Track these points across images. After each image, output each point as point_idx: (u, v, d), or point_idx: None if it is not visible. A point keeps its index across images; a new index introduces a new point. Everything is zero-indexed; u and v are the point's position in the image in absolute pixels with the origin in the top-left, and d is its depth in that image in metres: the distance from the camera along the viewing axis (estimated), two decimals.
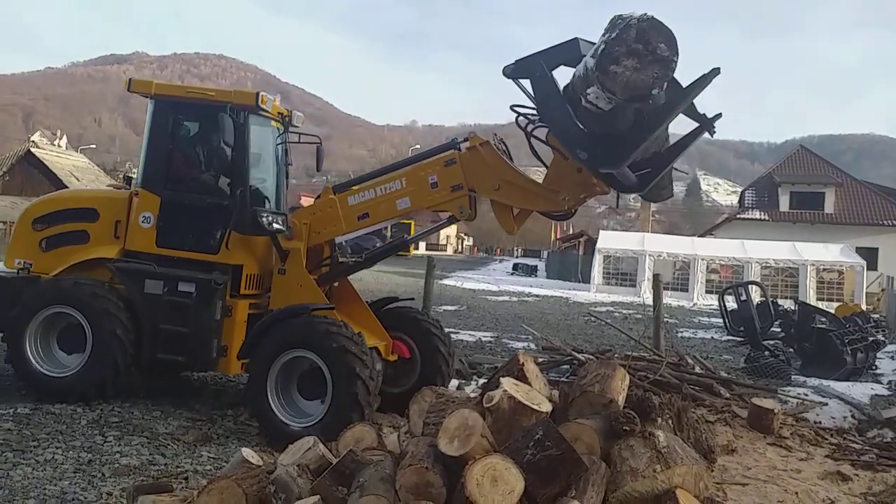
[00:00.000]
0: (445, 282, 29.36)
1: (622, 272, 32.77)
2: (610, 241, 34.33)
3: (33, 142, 50.38)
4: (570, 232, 62.51)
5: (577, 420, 3.83)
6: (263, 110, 7.21)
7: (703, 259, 31.27)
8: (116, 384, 6.85)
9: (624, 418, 3.78)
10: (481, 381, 9.39)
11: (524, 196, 6.44)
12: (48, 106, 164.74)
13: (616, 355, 10.00)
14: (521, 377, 3.96)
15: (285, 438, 6.08)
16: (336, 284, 7.46)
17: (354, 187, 7.15)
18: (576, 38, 5.54)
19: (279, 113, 7.66)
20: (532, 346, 12.58)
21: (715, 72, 5.03)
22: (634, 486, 3.48)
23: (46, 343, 7.00)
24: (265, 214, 6.92)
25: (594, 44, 5.10)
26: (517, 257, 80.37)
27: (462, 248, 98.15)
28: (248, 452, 4.28)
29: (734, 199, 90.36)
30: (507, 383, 3.69)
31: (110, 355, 6.70)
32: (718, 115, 5.32)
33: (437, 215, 7.86)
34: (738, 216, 42.02)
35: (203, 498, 3.51)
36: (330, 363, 6.11)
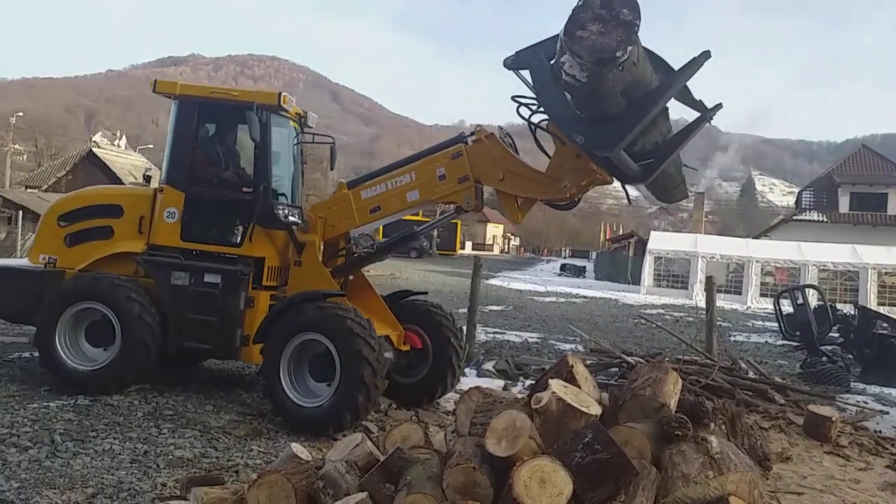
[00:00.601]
0: (492, 282, 29.28)
1: (673, 274, 32.15)
2: (661, 241, 33.71)
3: (95, 142, 52.13)
4: (620, 232, 61.64)
5: (628, 424, 3.76)
6: (284, 110, 7.45)
7: (757, 261, 30.45)
8: (147, 374, 7.10)
9: (676, 423, 3.70)
10: (528, 382, 9.33)
11: (528, 185, 6.67)
12: (109, 107, 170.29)
13: (667, 359, 9.82)
14: (570, 379, 3.91)
15: (295, 418, 6.46)
16: (351, 277, 7.65)
17: (367, 182, 7.38)
18: None
19: (297, 113, 7.92)
20: (580, 348, 12.44)
21: (705, 55, 5.27)
22: (686, 492, 3.40)
23: (75, 337, 7.18)
24: (282, 208, 7.24)
25: None
26: (565, 258, 79.62)
27: (508, 248, 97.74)
28: (297, 448, 4.34)
29: (790, 200, 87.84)
30: (556, 385, 3.65)
31: (140, 346, 6.90)
32: (719, 105, 5.55)
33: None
34: (794, 217, 40.86)
35: (253, 491, 3.56)
36: (338, 345, 6.33)
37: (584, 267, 49.79)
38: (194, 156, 7.49)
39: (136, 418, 6.32)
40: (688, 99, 5.65)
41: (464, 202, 6.93)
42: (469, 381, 9.24)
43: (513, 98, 6.13)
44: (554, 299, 25.05)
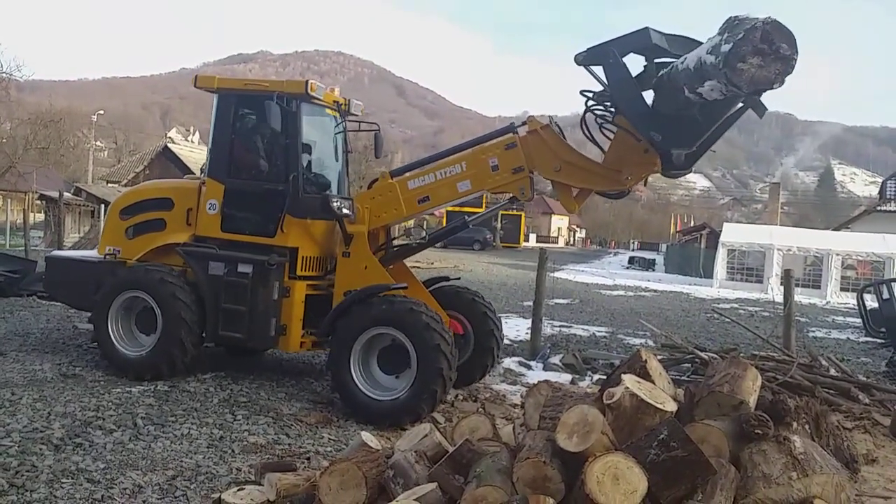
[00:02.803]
0: (557, 275, 28.92)
1: (748, 267, 31.09)
2: (735, 234, 32.62)
3: (169, 138, 54.11)
4: (692, 224, 60.00)
5: (704, 421, 3.64)
6: (315, 98, 7.42)
7: (837, 254, 29.13)
8: (185, 361, 7.27)
9: (756, 421, 3.56)
10: (596, 376, 9.19)
11: (585, 176, 6.72)
12: (182, 104, 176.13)
13: (742, 354, 9.49)
14: (644, 374, 3.81)
15: (367, 410, 6.53)
16: (392, 267, 7.66)
17: (413, 172, 7.42)
18: (646, 28, 5.82)
19: (335, 101, 7.87)
20: (650, 342, 12.16)
21: None
22: (767, 494, 3.27)
23: (127, 324, 7.55)
24: (336, 200, 7.23)
25: (662, 33, 5.83)
26: (633, 250, 78.08)
27: (574, 240, 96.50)
28: (367, 436, 4.39)
29: (873, 190, 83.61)
30: (630, 380, 3.56)
31: (177, 335, 7.13)
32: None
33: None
34: (878, 208, 38.92)
35: (325, 479, 3.61)
36: (416, 340, 6.39)
37: (654, 260, 48.70)
38: (233, 148, 7.63)
39: (212, 404, 6.53)
40: (750, 99, 5.69)
41: (518, 192, 6.96)
42: (535, 374, 9.18)
43: (581, 92, 6.20)
44: (622, 293, 24.60)
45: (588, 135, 6.46)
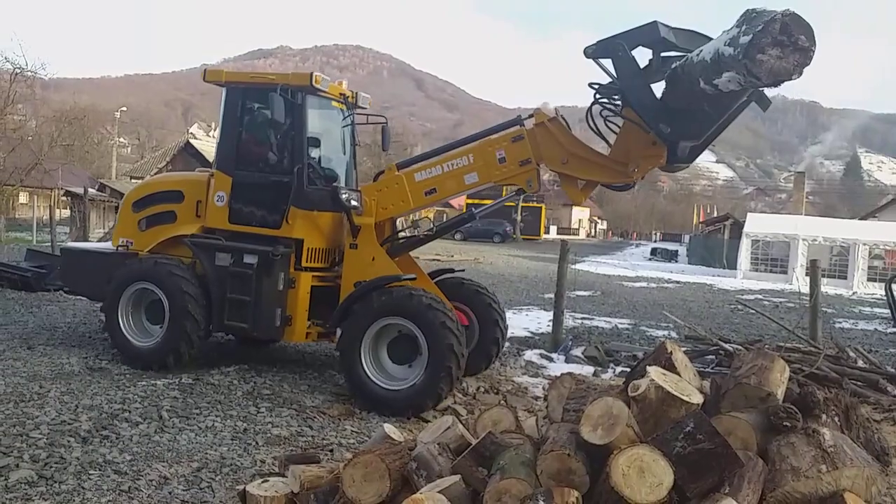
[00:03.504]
0: (579, 266, 28.83)
1: (772, 258, 30.70)
2: (759, 224, 32.22)
3: (191, 133, 54.61)
4: (715, 215, 59.37)
5: (731, 413, 3.59)
6: (320, 90, 7.44)
7: (864, 244, 28.67)
8: (192, 352, 7.40)
9: (784, 413, 3.50)
10: (618, 369, 9.13)
11: (592, 168, 6.79)
12: (204, 100, 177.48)
13: (767, 346, 9.37)
14: (669, 366, 3.76)
15: (376, 399, 6.60)
16: (398, 259, 7.67)
17: (419, 164, 7.45)
18: (655, 21, 5.88)
19: (342, 94, 7.92)
20: (673, 334, 12.06)
21: None
22: (796, 487, 3.21)
23: (138, 315, 7.69)
24: (344, 192, 7.29)
25: (670, 27, 5.90)
26: (655, 241, 77.45)
27: (595, 231, 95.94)
28: (389, 428, 4.39)
29: None
30: (655, 372, 3.51)
31: (184, 326, 7.25)
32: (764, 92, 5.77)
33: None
34: None
35: (349, 471, 3.62)
36: (422, 325, 6.48)
37: (676, 251, 48.28)
38: (240, 141, 7.71)
39: (235, 397, 6.58)
40: (755, 93, 5.77)
41: (525, 184, 7.03)
42: (557, 367, 9.15)
43: (590, 85, 6.29)
44: (644, 284, 24.41)
45: (594, 127, 6.51)
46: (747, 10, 4.82)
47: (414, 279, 7.20)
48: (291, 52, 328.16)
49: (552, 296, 11.26)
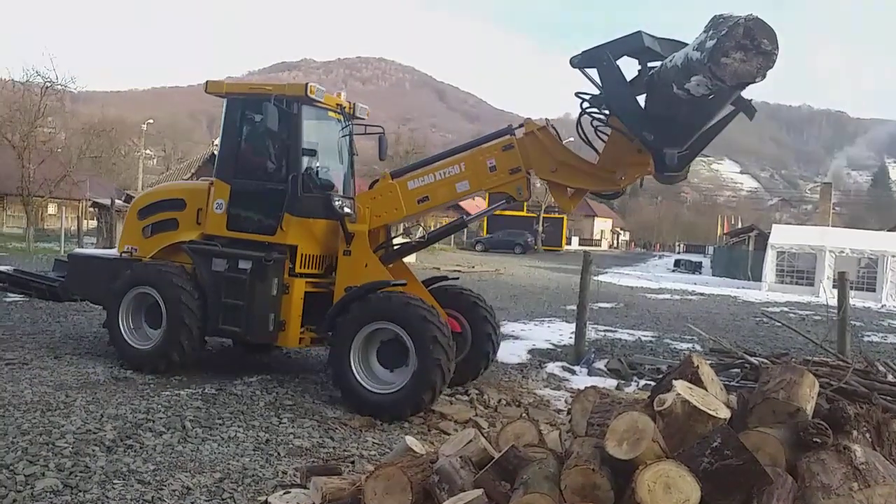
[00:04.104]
0: (601, 278, 28.57)
1: (798, 270, 30.26)
2: (784, 235, 31.81)
3: (216, 144, 55.16)
4: (739, 226, 58.73)
5: (759, 428, 3.52)
6: (315, 100, 7.63)
7: (893, 255, 28.17)
8: (189, 354, 7.56)
9: (814, 429, 3.42)
10: (642, 382, 9.03)
11: (580, 176, 6.90)
12: None
13: (793, 359, 9.21)
14: (696, 380, 3.70)
15: (367, 403, 6.69)
16: (391, 266, 7.80)
17: (413, 172, 7.60)
18: (639, 31, 5.98)
19: (339, 105, 8.09)
20: (697, 347, 11.91)
21: None
22: None
23: (138, 318, 7.91)
24: (337, 199, 7.41)
25: (655, 37, 5.99)
26: (679, 253, 76.74)
27: (617, 243, 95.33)
28: (411, 441, 4.37)
29: None
30: (681, 386, 3.46)
31: (180, 329, 7.42)
32: (750, 100, 5.86)
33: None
34: None
35: (371, 483, 3.60)
36: (413, 333, 6.57)
37: (700, 262, 47.77)
38: (238, 150, 7.90)
39: (258, 408, 6.60)
40: (738, 100, 5.84)
41: (515, 192, 7.12)
42: (580, 379, 9.07)
43: (576, 94, 6.37)
44: (668, 296, 24.17)
45: (583, 137, 6.63)
46: (715, 15, 4.96)
47: (404, 285, 7.33)
48: (315, 64, 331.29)
49: (574, 307, 11.19)
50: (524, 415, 7.06)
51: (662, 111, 5.84)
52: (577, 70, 6.19)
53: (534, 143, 7.00)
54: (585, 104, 6.35)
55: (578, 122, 6.51)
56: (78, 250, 10.89)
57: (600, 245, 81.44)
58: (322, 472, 4.30)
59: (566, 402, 7.76)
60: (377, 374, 6.89)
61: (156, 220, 8.31)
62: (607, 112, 6.35)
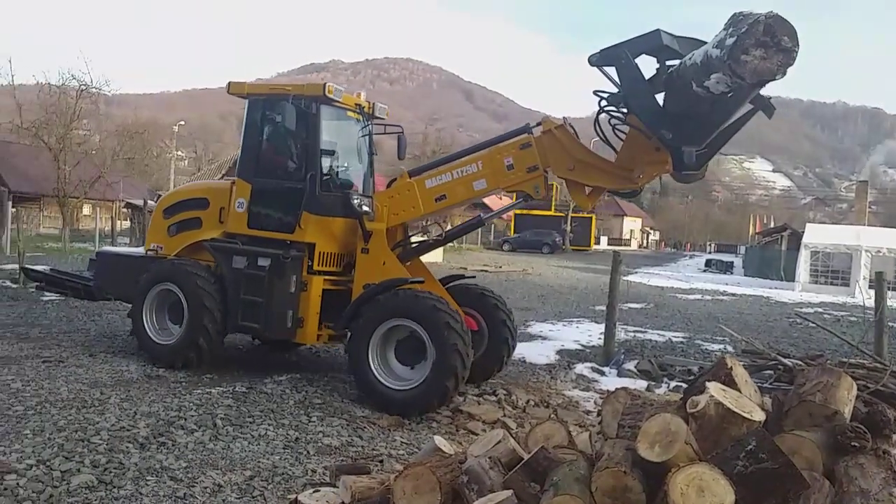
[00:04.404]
0: (630, 278, 28.32)
1: (832, 270, 29.65)
2: (819, 235, 31.19)
3: None
4: (772, 225, 57.75)
5: (795, 432, 3.44)
6: (334, 100, 7.72)
7: None
8: (209, 350, 7.70)
9: (852, 432, 3.34)
10: (672, 383, 8.92)
11: (598, 175, 6.90)
12: None
13: (828, 361, 9.02)
14: (729, 382, 3.63)
15: (382, 399, 6.78)
16: (409, 264, 7.85)
17: (430, 171, 7.61)
18: (658, 30, 5.98)
19: (357, 105, 8.19)
20: (729, 348, 11.74)
21: None
22: None
23: (162, 315, 8.09)
24: (356, 198, 7.54)
25: (673, 35, 5.96)
26: (709, 252, 75.69)
27: (647, 242, 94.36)
28: (440, 441, 4.36)
29: None
30: (714, 388, 3.40)
31: (202, 325, 7.57)
32: (769, 98, 5.82)
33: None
34: None
35: (399, 482, 3.60)
36: (426, 324, 6.65)
37: (732, 262, 47.02)
38: (259, 149, 8.01)
39: (287, 406, 6.65)
40: (757, 98, 5.82)
41: (533, 191, 7.16)
42: (609, 380, 8.99)
43: (595, 93, 6.35)
44: (699, 296, 23.85)
45: (601, 135, 6.63)
46: (735, 13, 4.91)
47: (422, 282, 7.38)
48: (343, 65, 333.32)
49: (603, 308, 11.08)
50: (553, 416, 7.02)
51: (681, 109, 5.81)
52: (596, 69, 6.20)
53: (551, 142, 7.01)
54: (603, 102, 6.35)
55: (596, 120, 6.54)
56: (106, 248, 11.19)
57: (630, 245, 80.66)
58: (351, 470, 4.31)
59: (595, 403, 7.70)
60: (399, 374, 6.96)
61: (180, 218, 8.49)
62: (625, 110, 6.34)
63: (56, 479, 4.54)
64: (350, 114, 8.22)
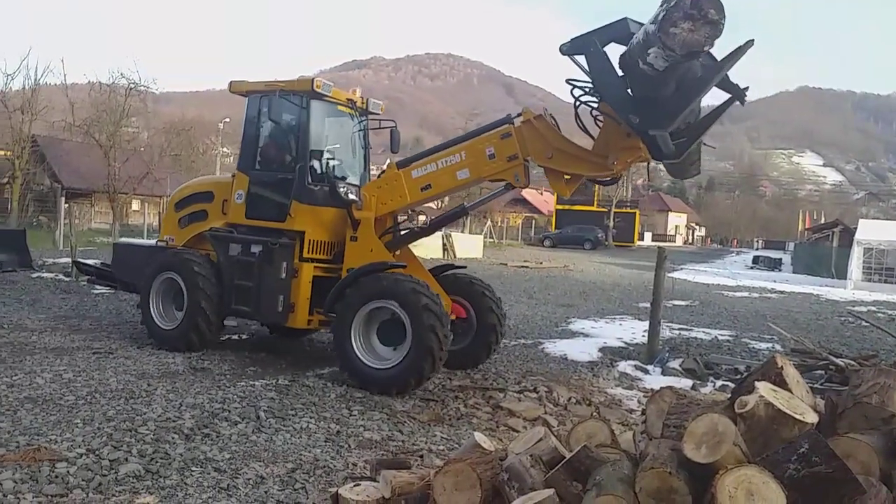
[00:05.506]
0: (675, 275, 27.86)
1: (887, 267, 28.73)
2: (872, 231, 30.25)
3: None
4: (822, 221, 56.16)
5: (850, 435, 3.31)
6: (323, 95, 8.05)
7: None
8: (209, 331, 8.18)
9: None
10: (718, 382, 8.73)
11: (575, 162, 7.06)
12: None
13: (882, 361, 8.71)
14: (780, 382, 3.51)
15: (365, 378, 7.04)
16: (398, 252, 8.19)
17: (417, 162, 7.84)
18: (625, 18, 6.18)
19: (349, 100, 8.56)
20: (778, 347, 11.43)
21: (749, 44, 5.74)
22: None
23: (169, 303, 8.55)
24: (342, 186, 7.87)
25: (641, 23, 5.96)
26: (757, 249, 73.98)
27: (692, 238, 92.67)
28: (480, 437, 4.33)
29: None
30: (764, 388, 3.29)
31: (198, 310, 8.02)
32: (746, 88, 5.98)
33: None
34: None
35: (440, 478, 3.58)
36: (405, 305, 6.92)
37: (780, 259, 45.90)
38: (256, 143, 8.41)
39: (329, 399, 6.70)
40: (725, 83, 6.00)
41: (513, 179, 7.37)
42: (653, 379, 8.84)
43: (567, 81, 6.49)
44: (746, 294, 23.32)
45: (580, 124, 6.78)
46: None
47: (403, 267, 7.63)
48: (384, 62, 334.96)
49: (646, 305, 10.91)
50: (595, 414, 6.92)
51: (644, 93, 5.94)
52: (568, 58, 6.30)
53: (530, 131, 7.21)
54: (577, 91, 6.51)
55: (576, 110, 6.63)
56: (121, 240, 11.80)
57: (674, 241, 79.36)
58: (391, 465, 4.30)
59: (639, 401, 7.58)
60: (381, 354, 7.23)
61: (189, 211, 8.98)
62: (598, 98, 6.48)
63: (104, 468, 4.64)
64: (341, 108, 8.61)
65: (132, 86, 33.13)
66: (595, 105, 6.59)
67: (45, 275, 15.19)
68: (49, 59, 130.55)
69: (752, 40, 5.80)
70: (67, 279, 14.60)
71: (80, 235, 24.11)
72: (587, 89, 6.48)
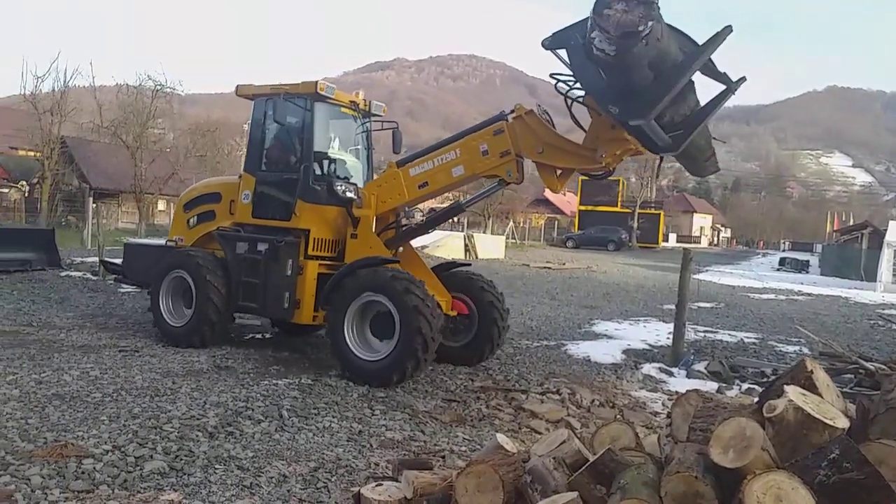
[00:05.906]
0: (700, 276, 27.55)
1: None
2: None
3: None
4: (851, 222, 55.22)
5: (882, 440, 3.23)
6: (326, 97, 8.30)
7: None
8: (216, 331, 8.40)
9: None
10: (744, 385, 8.60)
11: (565, 156, 7.13)
12: None
13: None
14: (810, 386, 3.44)
15: (359, 371, 7.19)
16: (401, 250, 8.42)
17: (415, 160, 7.96)
18: None
19: (352, 102, 8.78)
20: (805, 350, 11.25)
21: (727, 30, 5.68)
22: None
23: (178, 301, 8.76)
24: (340, 185, 8.05)
25: None
26: (784, 251, 72.94)
27: (718, 240, 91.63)
28: (502, 439, 4.29)
29: None
30: (793, 392, 3.22)
31: (207, 307, 8.25)
32: (742, 79, 5.91)
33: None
34: None
35: (462, 480, 3.56)
36: (397, 303, 7.06)
37: (808, 261, 45.22)
38: (262, 145, 8.65)
39: (351, 399, 6.71)
40: (713, 73, 5.93)
41: (506, 175, 7.46)
42: (678, 382, 8.74)
43: (551, 75, 6.49)
44: (772, 296, 22.98)
45: (573, 118, 6.84)
46: None
47: (398, 262, 7.80)
48: (407, 63, 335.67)
49: (671, 307, 10.79)
50: (619, 416, 6.86)
51: (619, 82, 5.93)
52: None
53: (522, 127, 7.30)
54: (561, 85, 6.50)
55: (569, 106, 6.64)
56: (131, 240, 11.99)
57: (700, 242, 78.52)
58: (413, 465, 4.29)
59: (663, 404, 7.49)
60: (372, 346, 7.40)
61: (198, 212, 9.19)
62: (583, 91, 6.50)
63: (130, 465, 4.69)
64: (344, 110, 8.81)
65: (159, 88, 33.62)
66: (581, 98, 6.62)
67: (73, 273, 15.45)
68: (78, 62, 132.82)
69: (730, 26, 5.78)
70: (95, 278, 14.83)
71: (108, 235, 24.42)
72: (570, 83, 6.50)
